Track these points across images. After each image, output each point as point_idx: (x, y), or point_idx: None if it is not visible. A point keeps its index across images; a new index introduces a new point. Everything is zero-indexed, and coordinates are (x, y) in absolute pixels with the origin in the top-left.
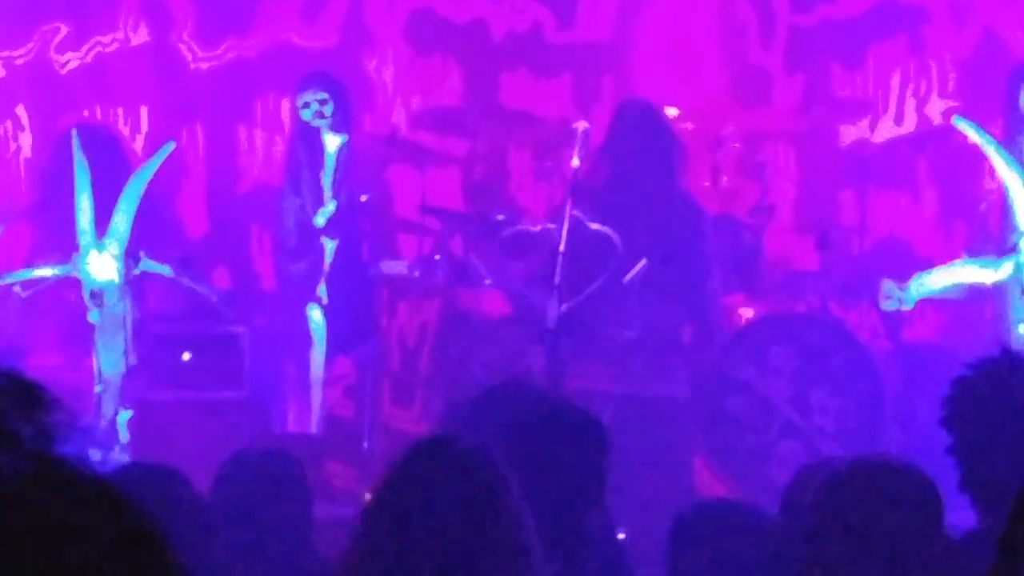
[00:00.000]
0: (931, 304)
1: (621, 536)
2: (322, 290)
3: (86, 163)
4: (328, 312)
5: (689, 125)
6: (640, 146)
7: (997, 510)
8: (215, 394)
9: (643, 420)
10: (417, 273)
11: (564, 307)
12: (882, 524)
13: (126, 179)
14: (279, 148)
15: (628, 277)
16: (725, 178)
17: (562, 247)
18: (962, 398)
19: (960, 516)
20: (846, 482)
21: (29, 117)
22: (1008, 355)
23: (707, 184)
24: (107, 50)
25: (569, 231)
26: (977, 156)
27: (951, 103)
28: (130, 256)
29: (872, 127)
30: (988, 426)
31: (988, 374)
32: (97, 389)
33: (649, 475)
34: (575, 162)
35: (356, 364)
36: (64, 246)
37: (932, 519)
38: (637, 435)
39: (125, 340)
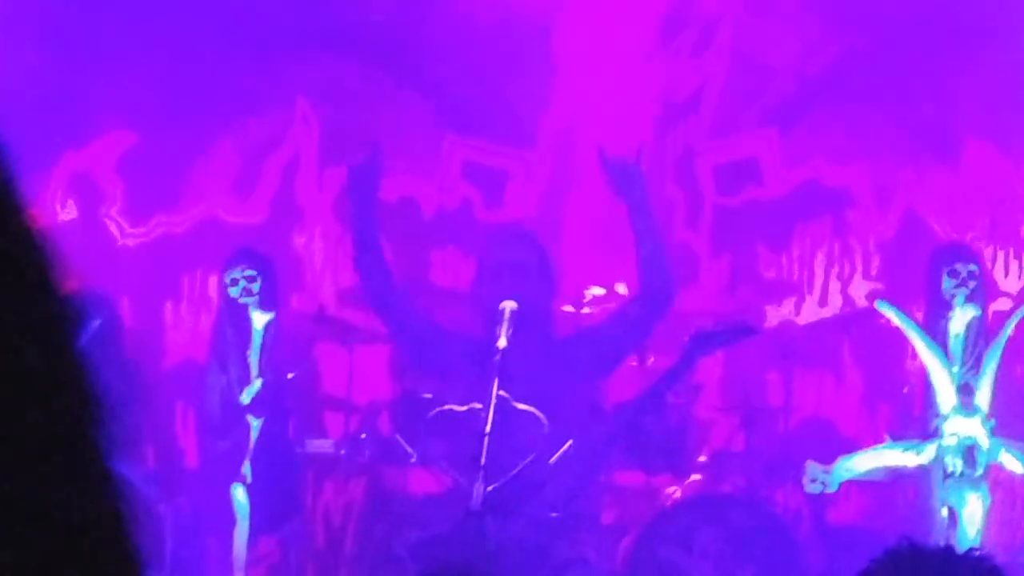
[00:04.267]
0: (855, 486)
1: None
2: (247, 468)
3: None
4: (252, 491)
5: (614, 305)
6: None
7: None
8: None
9: None
10: (343, 451)
11: (490, 488)
12: None
13: None
14: (206, 324)
15: (554, 458)
16: (652, 358)
17: (488, 428)
18: None
19: None
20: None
21: None
22: (910, 550)
23: (634, 364)
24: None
25: (495, 411)
26: (900, 338)
27: (875, 285)
28: None
29: (797, 308)
30: None
31: (888, 568)
32: None
33: None
34: (502, 342)
35: (280, 543)
36: None
37: None
38: None
39: None
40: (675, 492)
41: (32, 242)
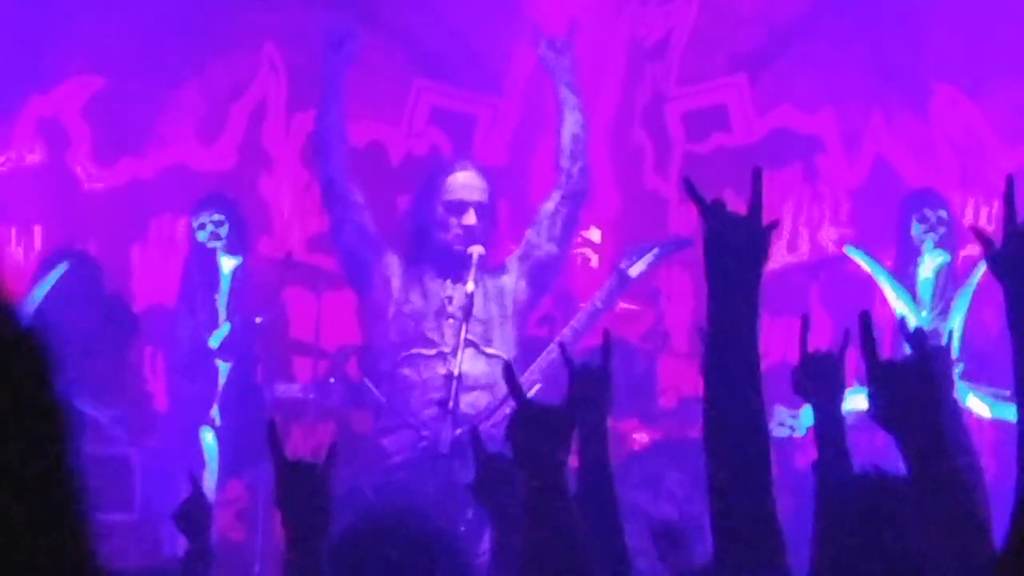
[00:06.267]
0: None
1: None
2: (215, 412)
3: None
4: (221, 434)
5: (583, 250)
6: None
7: None
8: (104, 516)
9: None
10: (311, 396)
11: (458, 432)
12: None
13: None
14: (174, 268)
15: None
16: (621, 303)
17: (456, 371)
18: (826, 515)
19: None
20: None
21: None
22: (878, 478)
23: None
24: (0, 169)
25: (464, 356)
26: (869, 284)
27: (844, 231)
28: None
29: None
30: (849, 548)
31: (852, 494)
32: None
33: None
34: (470, 287)
35: (248, 487)
36: None
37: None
38: None
39: None
40: (642, 437)
41: None
